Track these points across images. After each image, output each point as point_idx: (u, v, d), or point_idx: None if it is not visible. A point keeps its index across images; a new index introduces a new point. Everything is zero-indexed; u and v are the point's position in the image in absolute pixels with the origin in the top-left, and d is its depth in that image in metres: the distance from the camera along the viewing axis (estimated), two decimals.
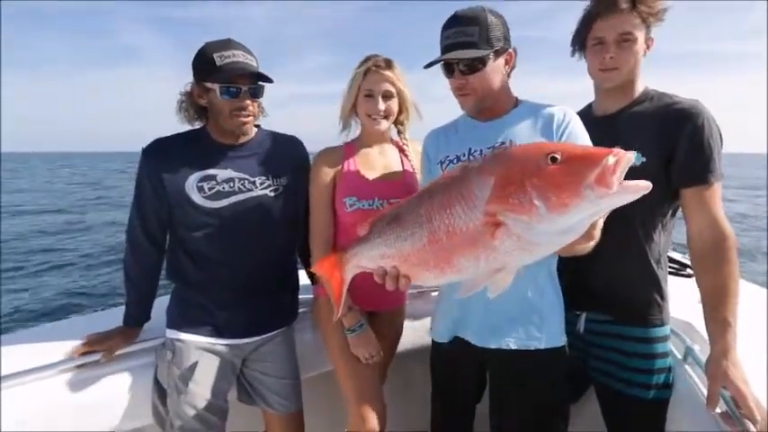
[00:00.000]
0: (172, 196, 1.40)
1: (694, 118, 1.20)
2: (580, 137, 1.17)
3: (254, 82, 1.39)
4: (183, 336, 1.46)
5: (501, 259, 0.87)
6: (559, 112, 1.21)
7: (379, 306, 1.62)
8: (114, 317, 1.56)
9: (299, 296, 1.72)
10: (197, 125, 1.50)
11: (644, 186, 0.74)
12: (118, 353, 1.48)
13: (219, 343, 1.47)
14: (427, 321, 1.79)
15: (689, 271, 1.92)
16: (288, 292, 1.64)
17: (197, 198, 1.40)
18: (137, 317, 1.54)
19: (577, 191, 0.76)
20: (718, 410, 1.13)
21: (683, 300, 1.40)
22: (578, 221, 0.80)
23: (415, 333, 1.84)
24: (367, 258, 1.09)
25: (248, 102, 1.39)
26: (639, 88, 1.33)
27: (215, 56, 1.33)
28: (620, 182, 0.74)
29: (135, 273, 1.52)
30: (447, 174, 0.98)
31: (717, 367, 1.13)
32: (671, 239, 1.38)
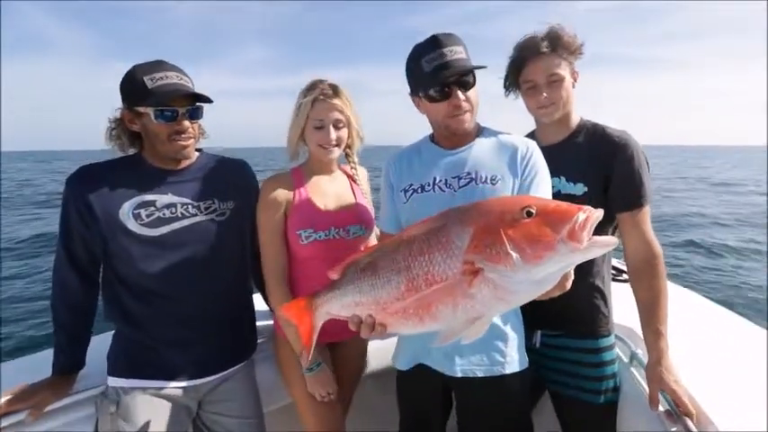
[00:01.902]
0: (104, 225, 1.27)
1: (624, 149, 1.35)
2: (541, 169, 1.24)
3: (191, 103, 1.31)
4: (128, 383, 1.32)
5: (478, 308, 0.90)
6: (522, 145, 1.26)
7: (340, 336, 1.60)
8: (43, 363, 1.37)
9: (259, 323, 1.63)
10: (131, 152, 1.39)
11: (612, 242, 0.83)
12: (48, 408, 1.30)
13: (171, 386, 1.36)
14: (391, 343, 1.81)
15: (625, 276, 2.14)
16: (245, 322, 1.55)
17: (133, 226, 1.28)
18: (68, 364, 1.37)
19: (551, 244, 0.82)
20: (661, 409, 1.29)
21: (623, 305, 1.55)
22: (551, 273, 0.85)
23: (379, 357, 1.84)
24: (339, 306, 1.06)
25: (187, 124, 1.31)
26: (575, 119, 1.47)
27: (145, 79, 1.25)
28: (589, 237, 0.81)
29: (64, 314, 1.35)
30: (424, 222, 0.99)
31: (653, 373, 1.30)
32: (611, 254, 1.53)
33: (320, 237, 1.43)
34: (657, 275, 1.34)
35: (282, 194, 1.45)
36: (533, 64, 1.39)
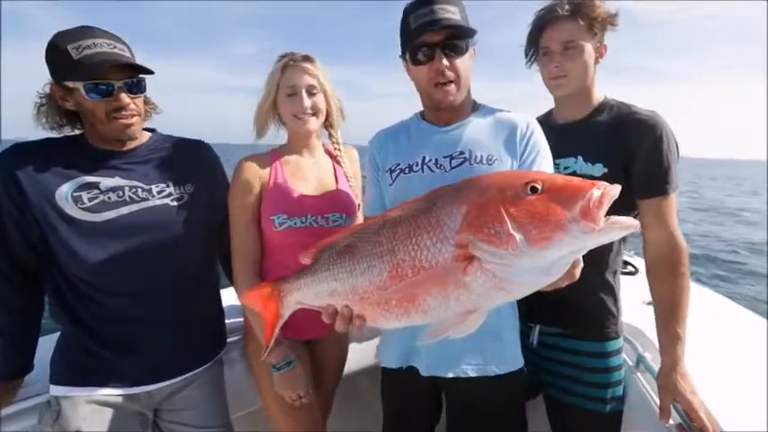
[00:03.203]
0: (38, 211, 1.11)
1: (653, 130, 1.21)
2: (543, 149, 1.12)
3: (129, 75, 1.15)
4: (70, 391, 1.17)
5: (473, 299, 0.78)
6: (522, 122, 1.14)
7: (320, 332, 1.46)
8: None
9: (232, 320, 1.50)
10: (68, 132, 1.23)
11: (633, 225, 0.70)
12: None
13: (118, 394, 1.20)
14: (374, 338, 1.68)
15: (630, 268, 2.00)
16: (209, 320, 1.40)
17: (73, 211, 1.12)
18: (8, 370, 1.20)
19: (561, 224, 0.70)
20: (672, 422, 1.16)
21: (629, 300, 1.41)
22: (559, 258, 0.73)
23: (362, 351, 1.72)
24: (312, 294, 0.94)
25: (126, 99, 1.15)
26: (598, 96, 1.33)
27: (69, 48, 1.07)
28: (604, 217, 0.69)
29: (2, 315, 1.17)
30: (411, 201, 0.86)
31: (667, 380, 1.17)
32: (622, 246, 1.39)
33: (295, 223, 1.30)
34: (680, 273, 1.20)
35: (257, 175, 1.31)
36: (550, 30, 1.26)
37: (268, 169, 1.33)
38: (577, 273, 0.91)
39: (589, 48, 1.25)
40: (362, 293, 0.85)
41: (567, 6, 1.23)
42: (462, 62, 1.09)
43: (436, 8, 1.04)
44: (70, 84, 1.10)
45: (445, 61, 1.06)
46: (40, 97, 1.16)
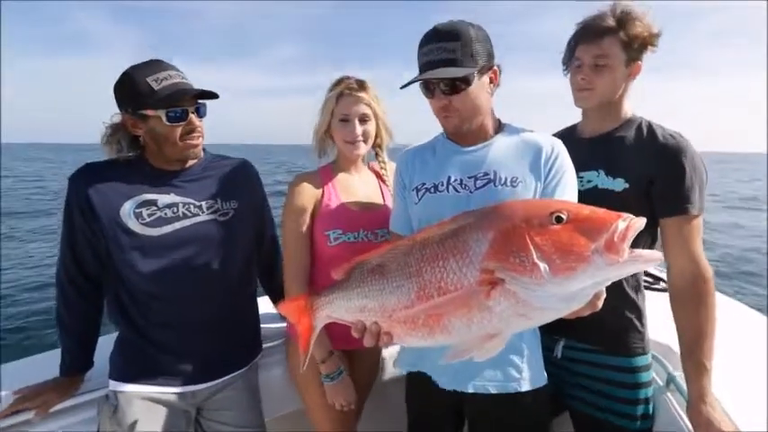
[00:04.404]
0: (106, 225, 1.24)
1: (677, 149, 1.20)
2: (567, 172, 1.12)
3: (195, 101, 1.28)
4: (126, 387, 1.29)
5: (495, 324, 0.81)
6: (547, 144, 1.14)
7: (358, 343, 1.52)
8: (52, 362, 1.34)
9: (267, 326, 1.59)
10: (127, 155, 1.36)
11: (656, 258, 0.72)
12: (54, 408, 1.28)
13: (167, 392, 1.31)
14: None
15: (663, 285, 1.94)
16: (247, 327, 1.50)
17: (134, 225, 1.25)
18: (75, 366, 1.34)
19: (584, 256, 0.73)
20: None
21: (658, 316, 1.35)
22: (582, 288, 0.75)
23: (392, 357, 1.76)
24: (343, 309, 0.99)
25: (197, 122, 1.29)
26: (626, 112, 1.32)
27: (149, 80, 1.21)
28: (628, 249, 0.71)
29: (70, 318, 1.32)
30: (441, 224, 0.90)
31: (698, 414, 1.14)
32: None
33: (349, 239, 1.38)
34: (704, 302, 1.17)
35: (310, 194, 1.41)
36: (585, 43, 1.27)
37: (322, 188, 1.43)
38: (600, 303, 0.91)
39: (621, 65, 1.24)
40: (390, 311, 0.89)
41: (607, 20, 1.23)
42: (464, 97, 1.09)
43: (436, 47, 1.06)
44: (150, 112, 1.22)
45: (445, 99, 1.09)
46: (108, 127, 1.30)
